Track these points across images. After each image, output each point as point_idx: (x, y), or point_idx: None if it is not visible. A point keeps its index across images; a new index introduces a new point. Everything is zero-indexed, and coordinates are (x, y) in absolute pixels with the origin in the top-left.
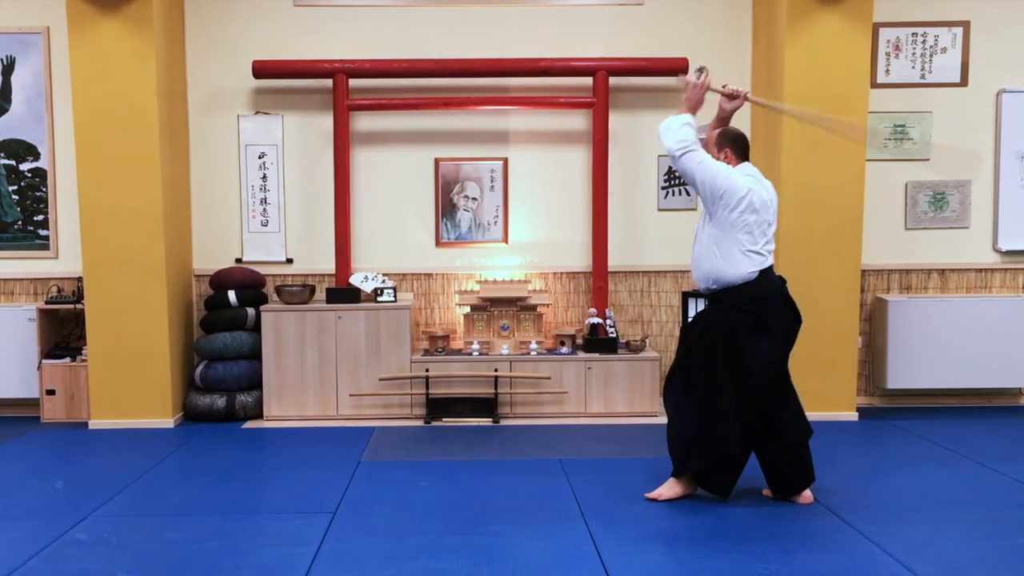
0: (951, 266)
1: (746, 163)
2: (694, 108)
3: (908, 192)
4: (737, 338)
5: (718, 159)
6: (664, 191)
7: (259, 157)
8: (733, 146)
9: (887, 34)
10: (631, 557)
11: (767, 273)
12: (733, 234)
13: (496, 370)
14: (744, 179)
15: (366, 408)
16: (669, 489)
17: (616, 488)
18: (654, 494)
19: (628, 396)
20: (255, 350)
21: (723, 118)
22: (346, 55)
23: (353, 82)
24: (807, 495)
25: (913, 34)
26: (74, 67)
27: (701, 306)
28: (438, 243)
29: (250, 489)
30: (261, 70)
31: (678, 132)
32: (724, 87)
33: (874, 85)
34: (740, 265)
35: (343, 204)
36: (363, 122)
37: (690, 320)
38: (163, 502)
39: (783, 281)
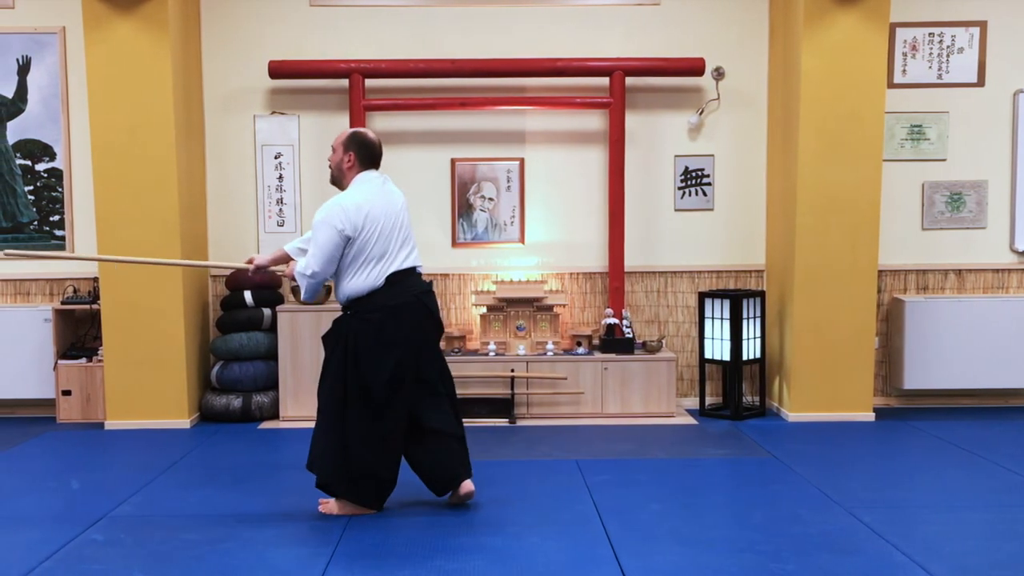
0: (968, 266)
1: (369, 171)
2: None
3: (925, 192)
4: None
5: (341, 159)
6: (681, 191)
7: (275, 157)
8: (358, 150)
9: (904, 34)
10: (648, 558)
11: (398, 279)
12: (358, 257)
13: (512, 371)
14: (341, 214)
15: None
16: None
17: (633, 488)
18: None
19: (645, 396)
20: (271, 350)
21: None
22: (362, 55)
23: (369, 82)
24: (467, 487)
25: (930, 34)
26: (90, 67)
27: (721, 307)
28: (454, 243)
29: (266, 490)
30: (277, 70)
31: (302, 284)
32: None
33: (891, 85)
34: (366, 280)
35: None
36: (379, 122)
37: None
38: (179, 503)
39: (427, 287)
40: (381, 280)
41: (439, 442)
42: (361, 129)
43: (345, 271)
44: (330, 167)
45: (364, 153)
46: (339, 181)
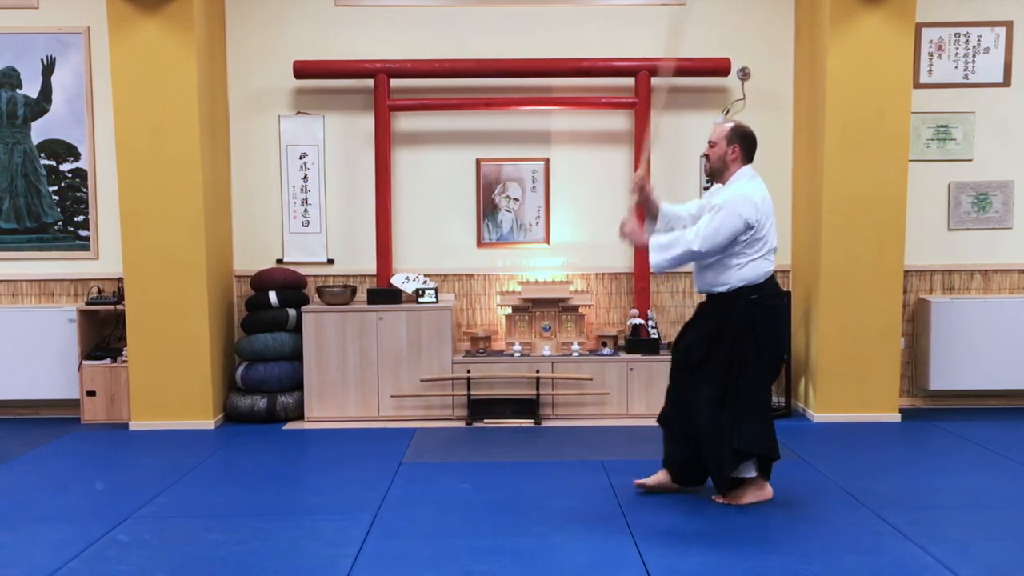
0: (994, 267)
1: (748, 166)
2: (653, 211)
3: (951, 193)
4: (755, 331)
5: (725, 152)
6: (706, 191)
7: (300, 157)
8: (742, 144)
9: (930, 34)
10: (673, 559)
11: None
12: (758, 242)
13: (538, 371)
14: (762, 201)
15: (407, 409)
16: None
17: None
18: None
19: None
20: (296, 351)
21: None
22: (387, 55)
23: (394, 82)
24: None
25: (956, 34)
26: (115, 67)
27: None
28: (480, 244)
29: (291, 490)
30: (302, 70)
31: (674, 247)
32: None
33: (917, 85)
34: (762, 268)
35: (384, 205)
36: (404, 122)
37: (703, 328)
38: (204, 503)
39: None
40: (771, 270)
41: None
42: (740, 122)
43: (739, 257)
44: (708, 159)
45: (747, 146)
46: (719, 173)
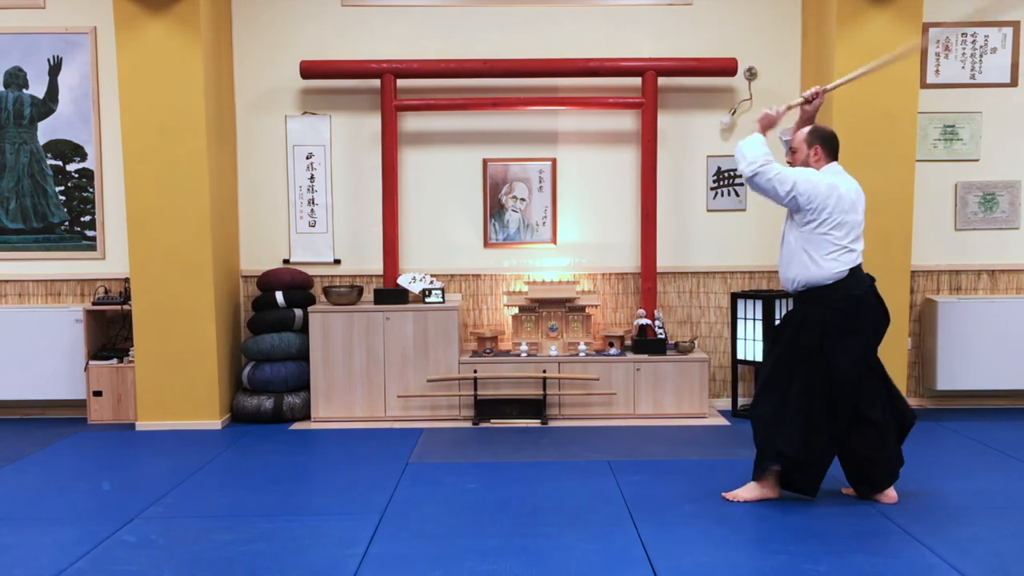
0: (1001, 267)
1: (833, 163)
2: (765, 130)
3: (958, 193)
4: (825, 336)
5: (807, 155)
6: (713, 192)
7: (307, 158)
8: (823, 144)
9: (937, 34)
10: (680, 559)
11: (857, 271)
12: (821, 239)
13: (544, 371)
14: (826, 188)
15: (414, 409)
16: (748, 491)
17: (665, 489)
18: (731, 495)
19: (677, 397)
20: (303, 351)
21: (807, 118)
22: (394, 55)
23: (401, 82)
24: (890, 494)
25: (963, 34)
26: (121, 68)
27: (753, 307)
28: (486, 244)
29: (298, 490)
30: (309, 70)
31: (750, 152)
32: (803, 97)
33: (924, 85)
34: (828, 267)
35: (391, 205)
36: (411, 122)
37: (779, 322)
38: (210, 504)
39: (872, 279)
40: (845, 271)
41: (873, 436)
42: (817, 124)
43: (805, 256)
44: (791, 166)
45: (828, 145)
46: None
